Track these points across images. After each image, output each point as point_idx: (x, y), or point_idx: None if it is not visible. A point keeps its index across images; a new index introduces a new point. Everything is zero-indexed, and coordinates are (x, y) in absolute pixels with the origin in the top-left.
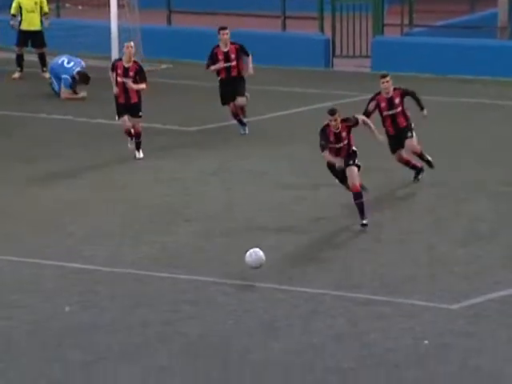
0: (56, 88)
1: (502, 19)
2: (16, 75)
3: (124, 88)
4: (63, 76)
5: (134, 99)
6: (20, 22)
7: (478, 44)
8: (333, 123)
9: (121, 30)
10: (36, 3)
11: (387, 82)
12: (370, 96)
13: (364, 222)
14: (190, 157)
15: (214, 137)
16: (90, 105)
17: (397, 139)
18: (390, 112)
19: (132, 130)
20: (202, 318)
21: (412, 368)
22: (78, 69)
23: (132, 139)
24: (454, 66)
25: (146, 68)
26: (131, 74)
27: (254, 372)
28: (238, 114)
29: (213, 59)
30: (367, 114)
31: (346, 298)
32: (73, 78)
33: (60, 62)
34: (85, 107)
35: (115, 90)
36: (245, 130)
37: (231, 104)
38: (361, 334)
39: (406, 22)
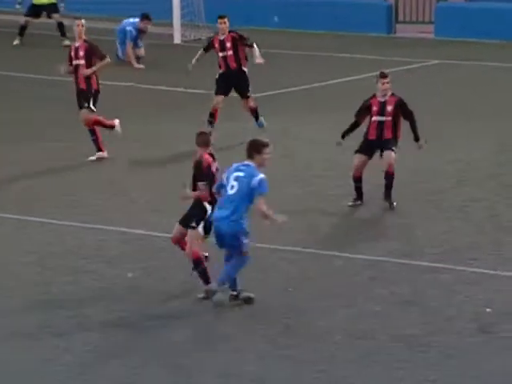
0: (119, 53)
1: None
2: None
3: (76, 71)
4: (128, 28)
5: (82, 84)
6: None
7: None
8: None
9: None
10: None
11: (387, 82)
12: (432, 62)
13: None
14: (249, 123)
15: (274, 103)
16: (152, 72)
17: (372, 147)
18: (379, 118)
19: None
20: (263, 283)
21: (475, 336)
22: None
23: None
24: None
25: (207, 34)
26: (81, 53)
27: (317, 338)
28: (216, 114)
29: (208, 47)
30: (358, 118)
31: (408, 265)
32: (138, 30)
33: (125, 21)
34: (146, 74)
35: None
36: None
37: (221, 98)
38: (423, 302)
39: None
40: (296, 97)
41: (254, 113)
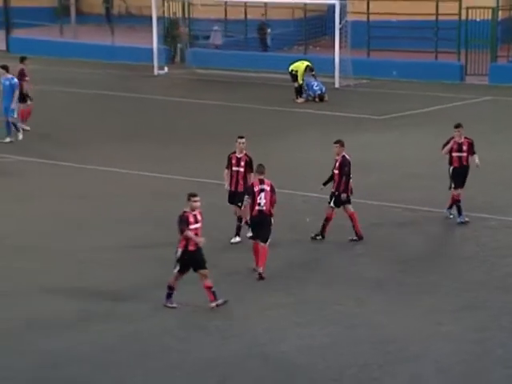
0: (304, 96)
1: None
2: (300, 100)
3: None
4: (308, 92)
5: (241, 188)
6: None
7: None
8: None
9: (340, 60)
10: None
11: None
12: (486, 98)
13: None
14: (374, 132)
15: (394, 122)
16: (323, 104)
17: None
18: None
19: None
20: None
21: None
22: (319, 92)
23: None
24: None
25: (352, 82)
26: (242, 163)
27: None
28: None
29: (447, 144)
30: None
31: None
32: (314, 96)
33: (312, 82)
34: (318, 105)
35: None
36: (450, 213)
37: (459, 190)
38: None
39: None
40: (409, 118)
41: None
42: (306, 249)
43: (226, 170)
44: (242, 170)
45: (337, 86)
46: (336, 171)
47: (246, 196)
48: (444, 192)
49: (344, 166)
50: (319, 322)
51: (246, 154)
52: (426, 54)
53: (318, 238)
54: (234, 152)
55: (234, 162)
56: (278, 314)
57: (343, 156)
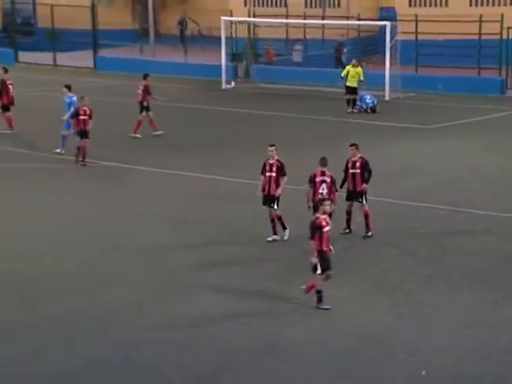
0: (357, 107)
1: None
2: (353, 111)
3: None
4: (361, 103)
5: (273, 191)
6: (346, 81)
7: None
8: None
9: (390, 75)
10: (357, 72)
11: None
12: None
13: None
14: (422, 140)
15: (440, 131)
16: (373, 115)
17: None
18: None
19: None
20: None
21: None
22: (371, 105)
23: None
24: None
25: (402, 95)
26: (274, 168)
27: None
28: None
29: None
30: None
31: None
32: (366, 108)
33: (365, 96)
34: (370, 116)
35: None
36: None
37: None
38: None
39: None
40: (456, 127)
41: None
42: (357, 245)
43: (262, 176)
44: (274, 174)
45: (387, 98)
46: (358, 171)
47: (307, 184)
48: (489, 195)
49: (366, 165)
50: (371, 312)
51: (277, 160)
52: (470, 70)
53: (368, 234)
54: (268, 159)
55: (267, 168)
56: (334, 305)
57: (361, 157)
